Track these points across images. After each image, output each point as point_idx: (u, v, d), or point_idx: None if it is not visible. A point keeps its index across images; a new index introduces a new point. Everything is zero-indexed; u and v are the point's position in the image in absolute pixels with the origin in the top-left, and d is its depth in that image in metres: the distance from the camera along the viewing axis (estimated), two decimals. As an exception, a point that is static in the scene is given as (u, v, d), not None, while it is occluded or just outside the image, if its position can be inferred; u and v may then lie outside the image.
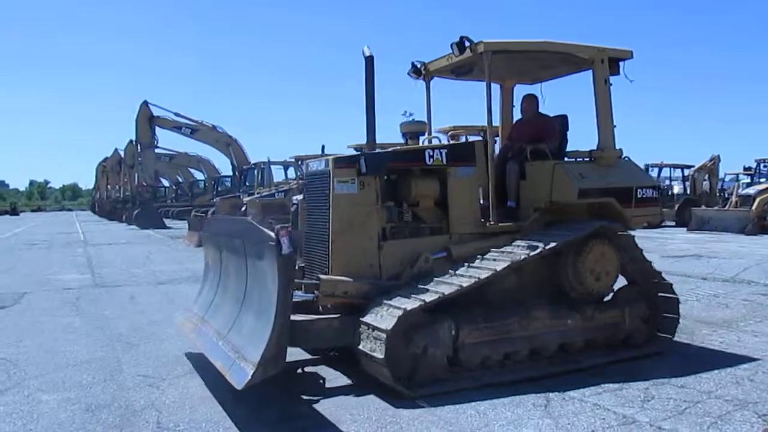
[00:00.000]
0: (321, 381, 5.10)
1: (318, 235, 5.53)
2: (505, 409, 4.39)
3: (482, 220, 5.77)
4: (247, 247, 4.89)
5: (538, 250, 5.22)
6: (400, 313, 4.62)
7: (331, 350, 5.64)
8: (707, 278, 10.53)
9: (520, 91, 7.05)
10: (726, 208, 22.07)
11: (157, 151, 31.48)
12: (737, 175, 29.20)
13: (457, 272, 5.25)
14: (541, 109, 6.64)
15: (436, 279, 5.21)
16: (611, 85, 6.09)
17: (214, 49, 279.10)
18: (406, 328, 4.69)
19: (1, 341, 6.68)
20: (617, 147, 6.08)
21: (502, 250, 5.45)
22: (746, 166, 28.04)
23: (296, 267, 4.94)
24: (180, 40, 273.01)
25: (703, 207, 23.63)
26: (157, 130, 29.30)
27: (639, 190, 6.06)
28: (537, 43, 5.92)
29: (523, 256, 5.20)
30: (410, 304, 4.75)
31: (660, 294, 5.93)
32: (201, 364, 5.37)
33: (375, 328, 4.65)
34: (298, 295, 5.12)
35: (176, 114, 29.15)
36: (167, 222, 30.83)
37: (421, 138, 6.28)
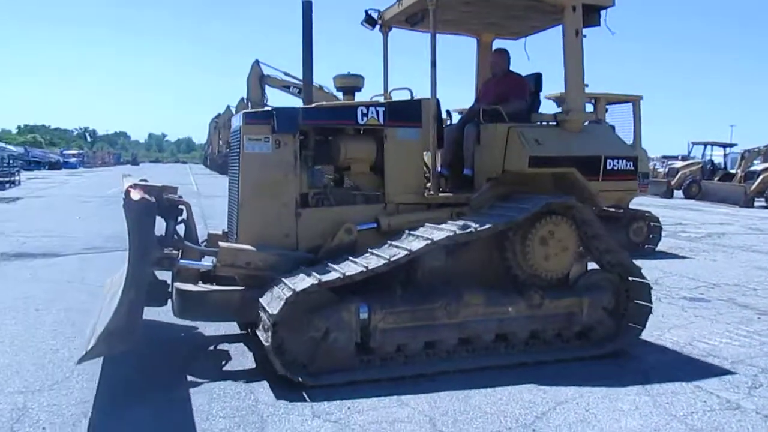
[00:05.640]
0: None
1: (234, 198, 5.03)
2: (601, 383, 4.32)
3: (429, 189, 5.19)
4: None
5: (459, 232, 4.51)
6: (288, 294, 4.05)
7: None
8: None
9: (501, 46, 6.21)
10: None
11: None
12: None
13: (377, 249, 4.59)
14: (527, 69, 5.89)
15: (351, 255, 4.59)
16: (585, 37, 5.21)
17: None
18: (301, 309, 4.16)
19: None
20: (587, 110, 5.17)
21: (430, 226, 4.78)
22: None
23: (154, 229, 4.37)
24: None
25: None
26: (267, 89, 30.21)
27: (609, 161, 5.15)
28: None
29: (446, 235, 4.47)
30: (303, 283, 4.14)
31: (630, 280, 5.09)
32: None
33: (264, 311, 4.15)
34: (204, 264, 4.78)
35: (285, 74, 29.87)
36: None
37: (358, 94, 5.61)
